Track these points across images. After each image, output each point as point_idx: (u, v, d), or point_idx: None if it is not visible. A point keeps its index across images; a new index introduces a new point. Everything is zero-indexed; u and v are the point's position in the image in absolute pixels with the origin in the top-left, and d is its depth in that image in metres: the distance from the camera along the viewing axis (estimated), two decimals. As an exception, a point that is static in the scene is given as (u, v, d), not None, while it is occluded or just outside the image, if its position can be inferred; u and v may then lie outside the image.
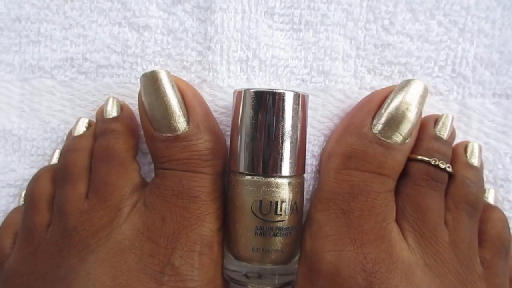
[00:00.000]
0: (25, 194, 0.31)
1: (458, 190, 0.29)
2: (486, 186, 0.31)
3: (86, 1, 0.32)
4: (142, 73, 0.28)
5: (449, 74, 0.32)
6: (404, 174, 0.29)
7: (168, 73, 0.28)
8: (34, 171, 0.32)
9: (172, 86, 0.28)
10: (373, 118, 0.29)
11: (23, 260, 0.29)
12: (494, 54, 0.32)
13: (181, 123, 0.28)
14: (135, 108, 0.32)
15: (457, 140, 0.31)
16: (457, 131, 0.31)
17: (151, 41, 0.32)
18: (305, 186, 0.30)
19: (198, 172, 0.28)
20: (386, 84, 0.32)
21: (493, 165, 0.32)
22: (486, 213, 0.30)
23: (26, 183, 0.32)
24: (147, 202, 0.28)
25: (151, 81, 0.28)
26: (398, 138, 0.28)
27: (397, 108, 0.28)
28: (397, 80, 0.32)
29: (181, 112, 0.28)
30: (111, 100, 0.31)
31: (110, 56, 0.32)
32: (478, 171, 0.30)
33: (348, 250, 0.27)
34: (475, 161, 0.30)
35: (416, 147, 0.29)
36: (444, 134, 0.29)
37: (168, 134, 0.28)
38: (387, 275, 0.26)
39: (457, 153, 0.30)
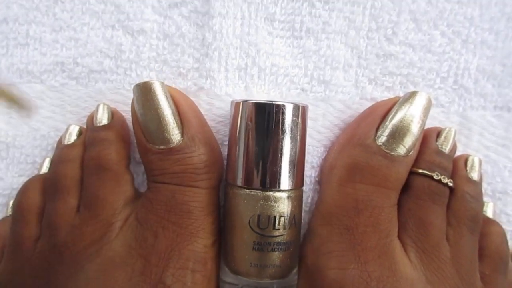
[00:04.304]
0: (13, 205, 0.28)
1: (458, 205, 0.27)
2: (485, 199, 0.30)
3: (78, 3, 0.29)
4: (136, 79, 0.25)
5: (451, 85, 0.30)
6: (405, 188, 0.27)
7: (162, 83, 0.26)
8: (23, 179, 0.29)
9: (166, 97, 0.26)
10: (377, 129, 0.27)
11: (10, 275, 0.26)
12: (497, 66, 0.30)
13: (175, 135, 0.26)
14: (128, 115, 0.30)
15: (457, 153, 0.29)
16: (457, 144, 0.29)
17: (146, 46, 0.30)
18: (304, 198, 0.28)
19: (193, 186, 0.26)
20: (387, 95, 0.30)
21: (492, 178, 0.30)
22: (485, 228, 0.28)
23: (14, 192, 0.29)
24: (139, 217, 0.26)
25: (144, 91, 0.25)
26: (402, 150, 0.26)
27: (401, 120, 0.26)
28: (399, 91, 0.30)
29: (175, 124, 0.26)
30: (101, 106, 0.29)
31: (103, 60, 0.30)
32: (477, 185, 0.28)
33: (352, 268, 0.25)
34: (475, 176, 0.28)
35: (417, 160, 0.27)
36: (446, 148, 0.28)
37: (162, 147, 0.26)
38: None
39: (457, 167, 0.28)
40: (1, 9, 0.30)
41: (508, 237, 0.29)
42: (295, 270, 0.28)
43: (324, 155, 0.30)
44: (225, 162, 0.28)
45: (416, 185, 0.27)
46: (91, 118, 0.29)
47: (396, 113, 0.27)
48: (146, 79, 0.29)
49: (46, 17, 0.30)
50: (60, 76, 0.30)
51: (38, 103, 0.30)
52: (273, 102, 0.25)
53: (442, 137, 0.28)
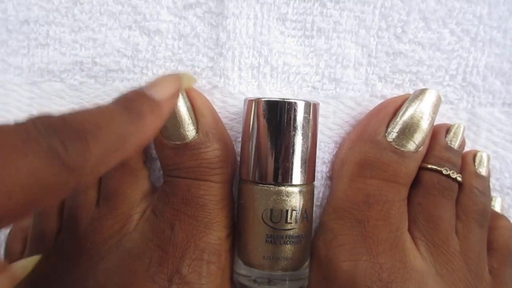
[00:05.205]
0: (35, 199, 0.29)
1: (467, 199, 0.28)
2: (493, 194, 0.30)
3: (96, 4, 0.30)
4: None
5: (459, 83, 0.30)
6: (415, 182, 0.28)
7: None
8: (44, 174, 0.30)
9: (182, 94, 0.26)
10: (388, 126, 0.27)
11: (33, 267, 0.27)
12: (505, 63, 0.30)
13: (190, 131, 0.26)
14: (145, 112, 0.30)
15: (466, 148, 0.30)
16: (465, 140, 0.29)
17: (162, 46, 0.30)
18: (315, 192, 0.29)
19: (207, 180, 0.26)
20: (397, 92, 0.30)
21: (500, 174, 0.31)
22: (493, 222, 0.29)
23: (35, 187, 0.30)
24: (156, 210, 0.27)
25: None
26: (412, 146, 0.27)
27: (411, 117, 0.27)
28: (408, 89, 0.30)
29: (190, 120, 0.26)
30: None
31: (120, 60, 0.30)
32: (485, 180, 0.29)
33: (364, 260, 0.25)
34: (483, 171, 0.29)
35: (427, 155, 0.28)
36: (455, 144, 0.28)
37: (177, 142, 0.26)
38: (402, 285, 0.25)
39: (465, 162, 0.29)
40: (22, 10, 0.30)
41: (517, 231, 0.29)
42: (306, 263, 0.28)
43: (335, 151, 0.30)
44: (238, 158, 0.29)
45: (425, 180, 0.27)
46: None
47: (406, 110, 0.27)
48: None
49: (66, 18, 0.30)
50: (79, 75, 0.31)
51: (58, 101, 0.31)
52: (285, 100, 0.25)
53: (451, 133, 0.28)
